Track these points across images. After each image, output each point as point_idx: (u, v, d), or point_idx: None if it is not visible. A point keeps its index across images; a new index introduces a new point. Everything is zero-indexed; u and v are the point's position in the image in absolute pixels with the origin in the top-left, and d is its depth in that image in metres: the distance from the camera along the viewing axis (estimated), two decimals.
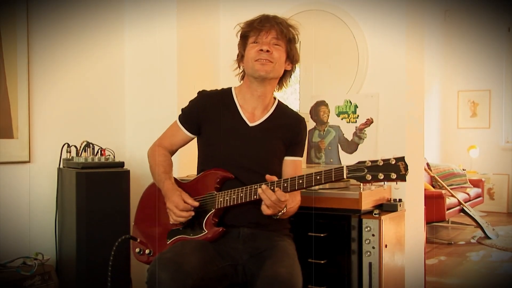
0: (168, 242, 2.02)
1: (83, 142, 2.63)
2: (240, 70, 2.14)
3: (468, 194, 6.23)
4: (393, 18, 2.77)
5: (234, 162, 2.02)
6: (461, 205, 5.79)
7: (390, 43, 2.78)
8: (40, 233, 2.69)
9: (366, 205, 2.34)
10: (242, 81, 2.14)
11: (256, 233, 1.98)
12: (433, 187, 6.02)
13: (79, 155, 2.62)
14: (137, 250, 2.11)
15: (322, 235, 2.33)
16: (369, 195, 2.40)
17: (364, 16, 2.84)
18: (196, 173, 2.14)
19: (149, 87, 3.08)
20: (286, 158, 2.12)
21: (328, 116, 2.83)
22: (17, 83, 2.59)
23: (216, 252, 1.92)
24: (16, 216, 2.61)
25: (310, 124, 2.84)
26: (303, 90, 3.07)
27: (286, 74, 2.13)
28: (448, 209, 5.49)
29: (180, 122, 2.16)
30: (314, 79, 3.07)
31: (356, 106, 2.77)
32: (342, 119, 2.80)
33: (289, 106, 2.22)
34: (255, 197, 1.88)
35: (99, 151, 2.64)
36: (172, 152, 2.22)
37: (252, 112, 2.09)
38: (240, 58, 2.11)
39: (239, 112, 2.08)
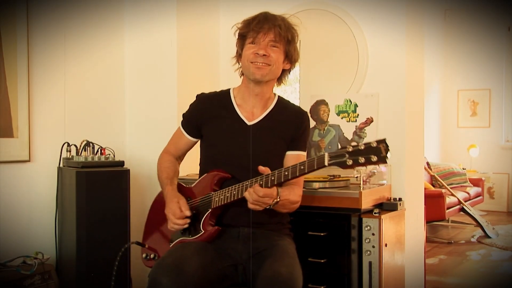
0: (170, 246, 2.02)
1: (83, 141, 2.63)
2: (239, 66, 2.12)
3: (468, 193, 6.22)
4: (393, 18, 2.77)
5: (233, 161, 2.02)
6: (461, 204, 5.79)
7: (390, 42, 2.78)
8: (40, 232, 2.69)
9: (366, 204, 2.34)
10: (242, 77, 2.12)
11: (256, 232, 1.98)
12: (433, 186, 6.03)
13: (79, 154, 2.62)
14: (144, 255, 2.11)
15: (322, 234, 2.33)
16: (369, 194, 2.40)
17: (364, 15, 2.84)
18: (197, 174, 2.15)
19: (149, 87, 3.09)
20: (288, 152, 2.08)
21: (328, 115, 2.83)
22: (17, 83, 2.59)
23: (216, 253, 1.91)
24: (16, 215, 2.61)
25: (310, 123, 2.83)
26: (303, 89, 3.07)
27: (285, 72, 2.11)
28: (448, 208, 5.48)
29: (182, 127, 2.16)
30: (314, 78, 3.06)
31: (356, 105, 2.77)
32: (342, 118, 2.80)
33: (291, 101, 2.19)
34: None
35: (99, 150, 2.64)
36: (179, 158, 2.22)
37: (251, 111, 2.08)
38: (238, 56, 2.10)
39: (237, 112, 2.08)
